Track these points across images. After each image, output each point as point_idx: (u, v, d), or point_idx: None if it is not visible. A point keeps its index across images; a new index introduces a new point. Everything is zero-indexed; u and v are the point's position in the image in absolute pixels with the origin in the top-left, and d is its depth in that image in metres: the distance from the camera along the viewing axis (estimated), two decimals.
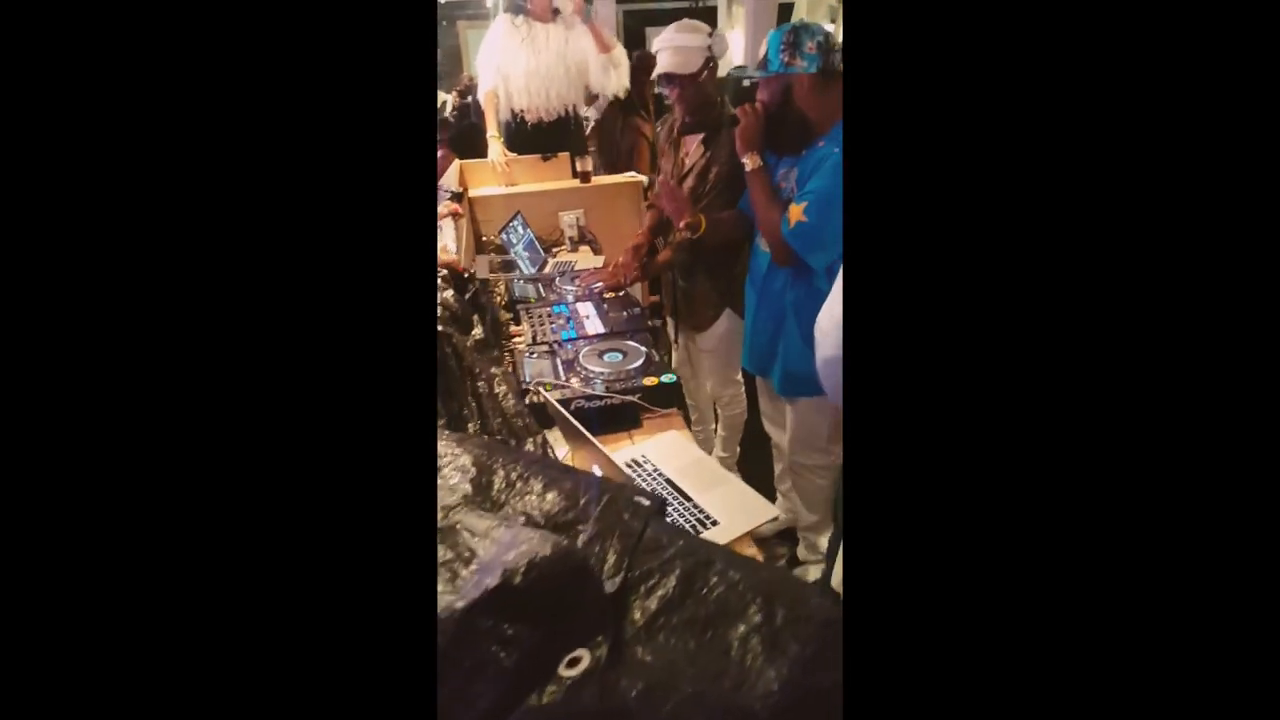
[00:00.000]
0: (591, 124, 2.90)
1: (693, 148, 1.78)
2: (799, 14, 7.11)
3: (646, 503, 0.64)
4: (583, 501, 0.62)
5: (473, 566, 0.44)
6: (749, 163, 1.48)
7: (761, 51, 1.41)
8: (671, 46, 1.63)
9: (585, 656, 0.42)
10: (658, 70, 1.69)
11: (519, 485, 0.65)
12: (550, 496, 0.63)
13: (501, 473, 0.67)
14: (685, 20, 1.68)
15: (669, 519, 1.06)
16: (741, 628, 0.49)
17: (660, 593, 0.52)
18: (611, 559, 0.54)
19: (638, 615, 0.51)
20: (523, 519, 0.60)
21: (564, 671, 0.41)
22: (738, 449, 2.17)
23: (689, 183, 1.75)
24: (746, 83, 1.63)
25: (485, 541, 0.48)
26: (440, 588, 0.44)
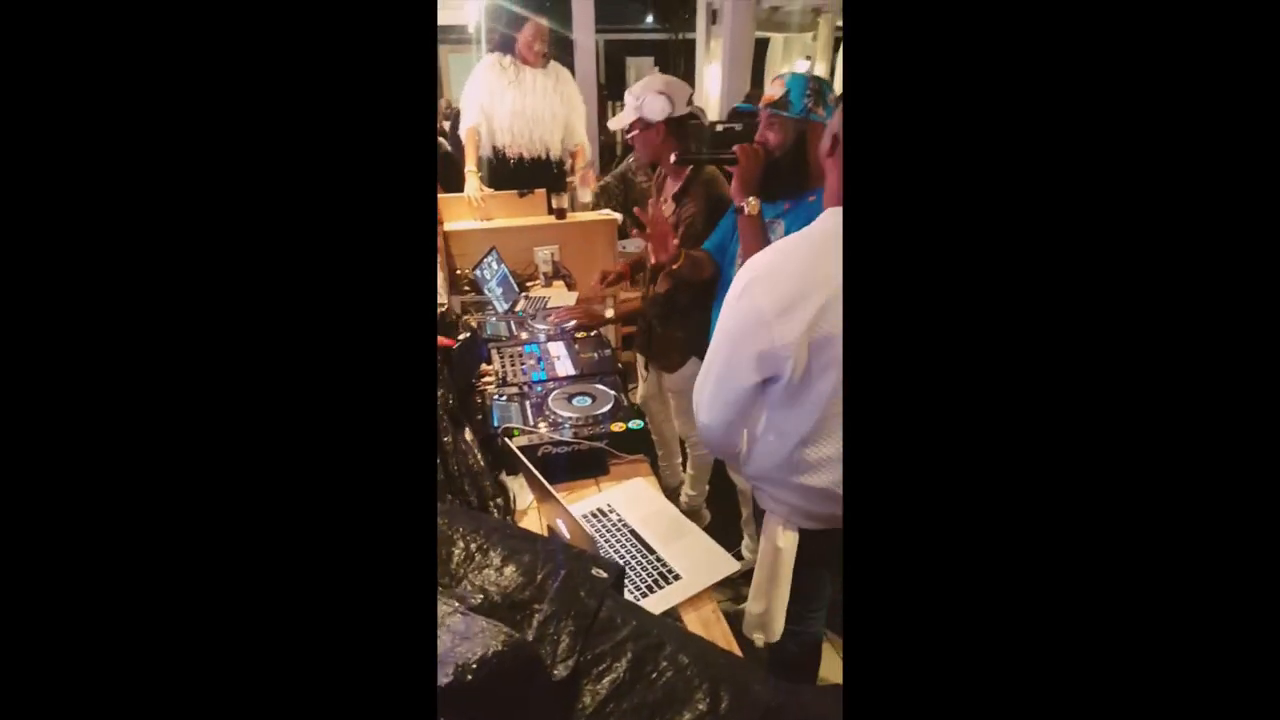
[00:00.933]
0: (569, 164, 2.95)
1: (670, 188, 1.86)
2: (774, 52, 7.31)
3: (604, 575, 0.66)
4: (540, 577, 0.64)
5: None
6: (749, 207, 1.47)
7: (779, 92, 1.44)
8: (643, 96, 1.78)
9: None
10: (609, 122, 1.90)
11: (478, 558, 0.67)
12: (509, 571, 0.64)
13: (461, 544, 0.68)
14: (648, 77, 1.83)
15: (629, 580, 1.07)
16: (687, 715, 0.51)
17: (611, 677, 0.54)
18: (565, 641, 0.56)
19: (588, 699, 0.52)
20: (481, 596, 0.62)
21: None
22: (706, 488, 2.20)
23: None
24: (719, 126, 1.69)
25: (440, 630, 0.49)
26: None
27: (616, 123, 1.87)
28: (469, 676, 0.44)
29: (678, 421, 2.07)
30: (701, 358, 1.90)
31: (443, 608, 0.53)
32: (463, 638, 0.48)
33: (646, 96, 1.76)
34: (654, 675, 0.54)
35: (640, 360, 2.13)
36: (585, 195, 2.80)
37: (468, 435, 1.09)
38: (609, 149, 4.49)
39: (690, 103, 1.82)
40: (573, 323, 1.97)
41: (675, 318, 1.89)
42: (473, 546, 0.68)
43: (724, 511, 1.99)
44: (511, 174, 2.69)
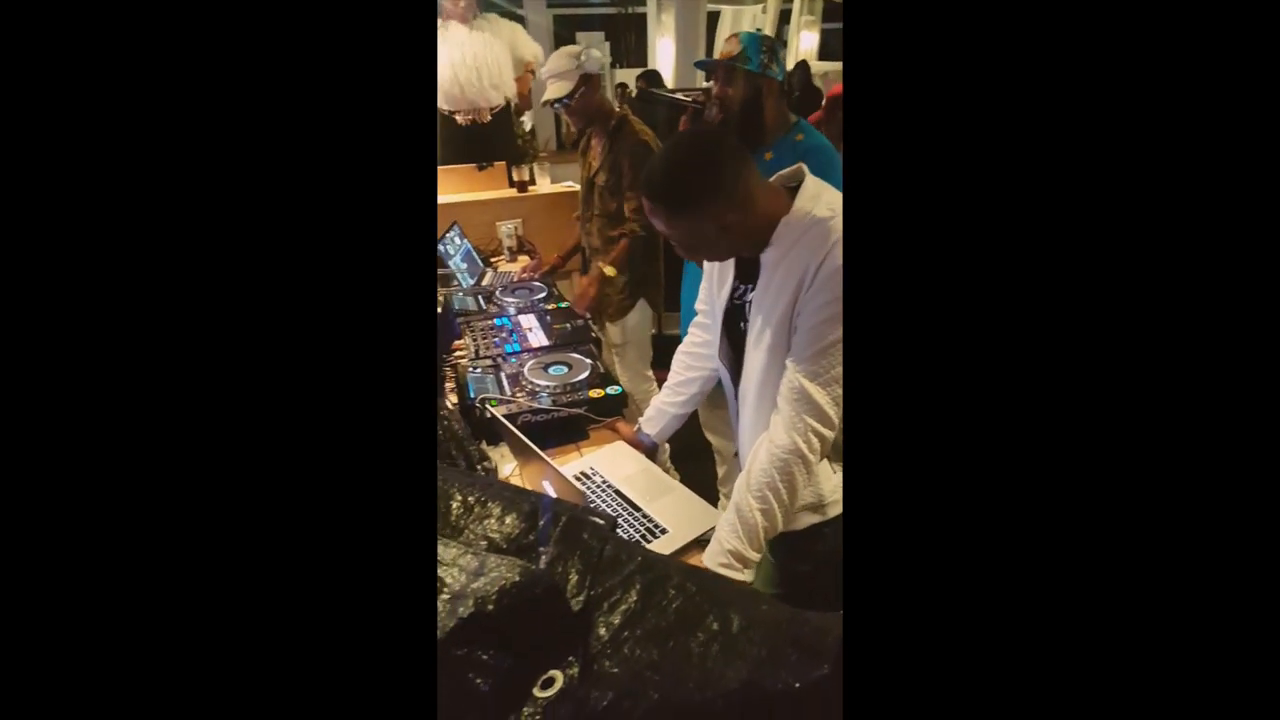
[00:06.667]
0: (529, 125, 2.91)
1: (598, 149, 1.96)
2: (724, 24, 7.30)
3: (601, 522, 0.66)
4: (541, 523, 0.64)
5: (444, 595, 0.46)
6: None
7: (735, 48, 1.47)
8: (550, 76, 1.86)
9: (558, 677, 0.44)
10: (544, 99, 1.90)
11: (477, 509, 0.67)
12: (510, 520, 0.65)
13: (459, 497, 0.68)
14: (560, 50, 1.88)
15: (620, 533, 1.09)
16: (701, 636, 0.52)
17: (623, 608, 0.55)
18: (574, 578, 0.57)
19: (603, 631, 0.53)
20: (485, 543, 0.62)
21: (539, 693, 0.43)
22: (667, 445, 2.22)
23: (600, 179, 1.93)
24: (677, 94, 1.73)
25: (454, 570, 0.49)
26: None
27: (558, 90, 1.86)
28: (490, 606, 0.44)
29: (624, 377, 2.09)
30: (650, 302, 1.99)
31: (451, 550, 0.53)
32: (477, 574, 0.48)
33: (586, 53, 1.84)
34: (664, 603, 0.55)
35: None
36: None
37: (449, 403, 1.08)
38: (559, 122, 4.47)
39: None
40: (528, 275, 2.14)
41: (622, 261, 1.96)
42: (470, 499, 0.68)
43: (699, 471, 2.01)
44: (468, 141, 2.64)
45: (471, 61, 2.57)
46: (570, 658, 0.45)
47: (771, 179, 1.02)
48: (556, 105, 1.89)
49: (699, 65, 1.81)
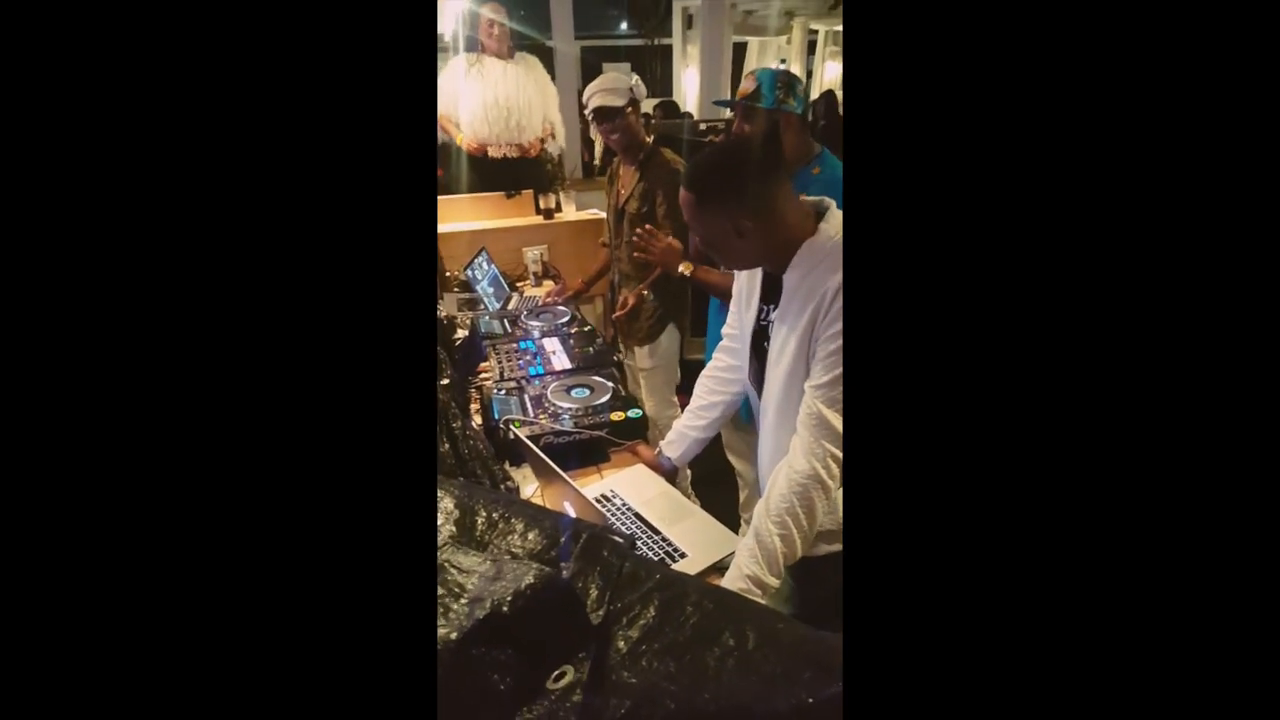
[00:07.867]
0: (557, 157, 2.99)
1: (628, 177, 1.98)
2: (751, 56, 7.42)
3: (621, 540, 0.68)
4: (563, 540, 0.66)
5: (463, 600, 0.48)
6: (685, 269, 1.64)
7: (751, 86, 1.53)
8: (602, 90, 1.87)
9: (570, 671, 0.46)
10: (590, 106, 1.91)
11: (501, 525, 0.69)
12: (532, 535, 0.66)
13: (484, 513, 0.70)
14: (611, 73, 1.94)
15: (640, 554, 1.10)
16: (717, 651, 0.53)
17: (641, 622, 0.56)
18: (594, 593, 0.58)
19: (621, 644, 0.54)
20: (508, 556, 0.64)
21: (551, 685, 0.45)
22: (689, 471, 2.22)
23: (630, 206, 1.94)
24: (701, 124, 1.78)
25: (473, 577, 0.51)
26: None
27: (611, 99, 1.85)
28: (506, 608, 0.45)
29: (649, 404, 2.09)
30: (679, 326, 1.99)
31: (472, 559, 0.55)
32: (495, 579, 0.50)
33: (634, 79, 1.89)
34: (682, 619, 0.56)
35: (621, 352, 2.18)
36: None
37: (475, 423, 1.10)
38: (587, 141, 4.59)
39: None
40: (554, 299, 2.15)
41: (655, 285, 1.96)
42: (494, 515, 0.70)
43: (720, 496, 2.01)
44: (496, 172, 2.72)
45: (504, 101, 2.65)
46: (582, 654, 0.47)
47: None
48: (604, 124, 1.88)
49: (718, 104, 1.88)
